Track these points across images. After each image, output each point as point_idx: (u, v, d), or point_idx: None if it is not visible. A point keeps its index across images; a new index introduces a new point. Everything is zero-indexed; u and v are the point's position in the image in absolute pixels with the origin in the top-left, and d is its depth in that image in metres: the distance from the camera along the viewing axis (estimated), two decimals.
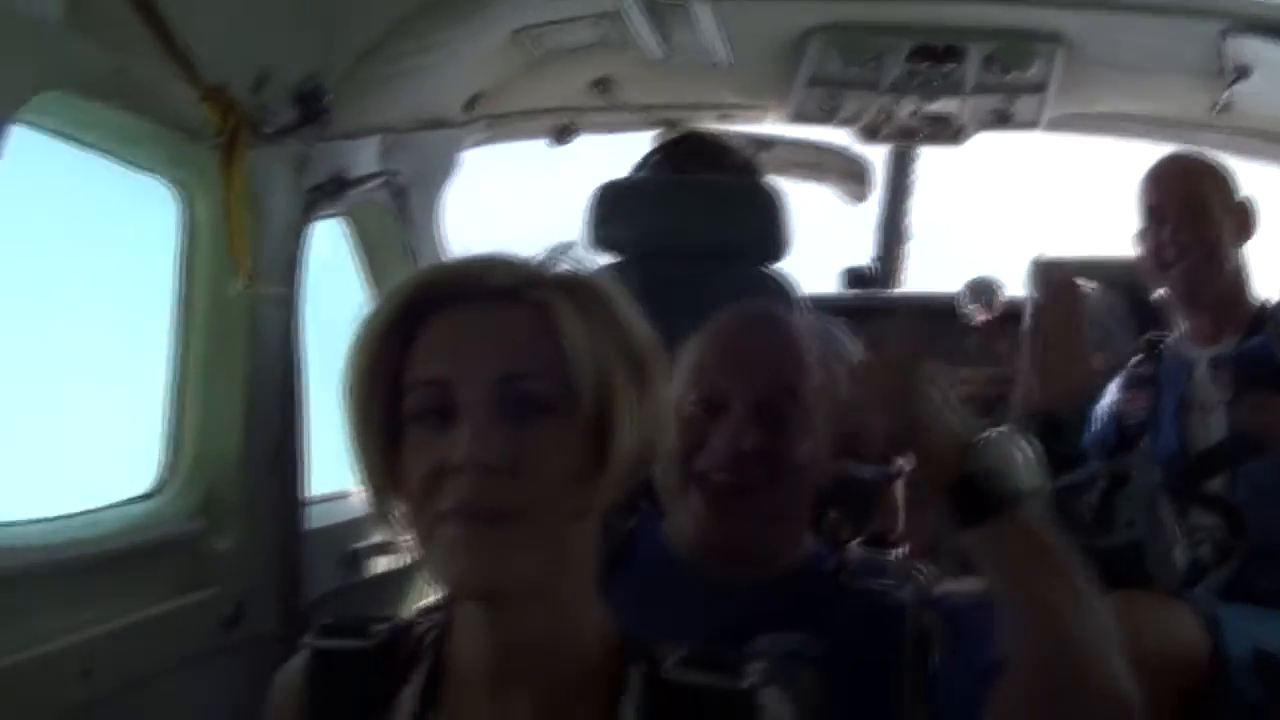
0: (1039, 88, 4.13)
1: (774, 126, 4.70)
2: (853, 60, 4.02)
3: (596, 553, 1.63)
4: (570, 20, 3.72)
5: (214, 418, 2.96)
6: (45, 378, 2.73)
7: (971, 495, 1.89)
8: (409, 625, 1.73)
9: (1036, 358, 3.55)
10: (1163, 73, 4.07)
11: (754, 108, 4.57)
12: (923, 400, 1.93)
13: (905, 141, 4.79)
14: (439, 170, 4.09)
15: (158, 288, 2.92)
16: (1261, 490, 3.21)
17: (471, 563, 1.48)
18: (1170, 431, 3.43)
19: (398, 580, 3.61)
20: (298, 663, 1.73)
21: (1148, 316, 4.06)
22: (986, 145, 4.64)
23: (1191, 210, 3.46)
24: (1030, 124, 4.38)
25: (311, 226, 3.16)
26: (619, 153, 4.51)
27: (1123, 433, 3.51)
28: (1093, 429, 3.58)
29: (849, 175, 4.94)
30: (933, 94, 4.21)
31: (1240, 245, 3.51)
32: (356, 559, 3.55)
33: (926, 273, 5.51)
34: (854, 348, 2.86)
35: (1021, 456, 1.91)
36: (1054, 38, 3.92)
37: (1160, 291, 3.73)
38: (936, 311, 4.81)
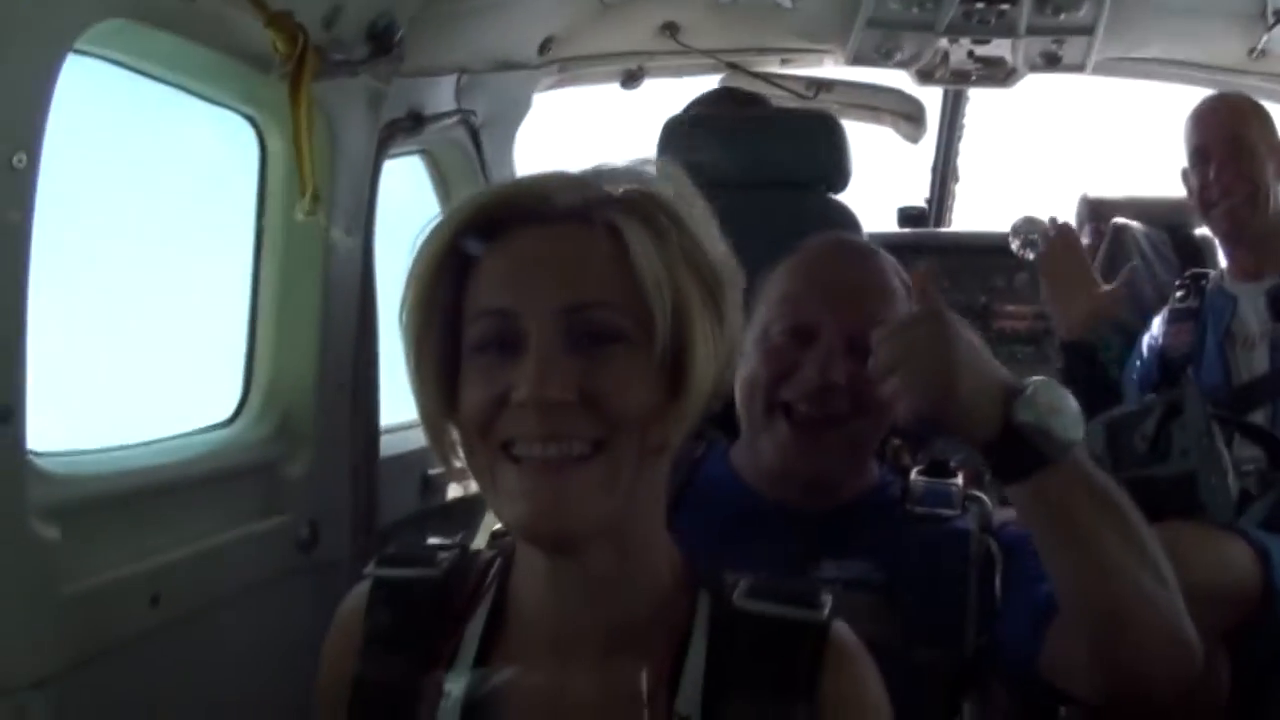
0: (1088, 30, 3.95)
1: (833, 70, 4.56)
2: (910, 0, 3.83)
3: (666, 484, 1.48)
4: None
5: (289, 347, 2.81)
6: (135, 308, 2.58)
7: (1017, 448, 1.72)
8: (475, 554, 1.59)
9: (1049, 294, 3.55)
10: (1206, 16, 3.92)
11: (814, 51, 4.39)
12: (955, 357, 1.74)
13: (959, 83, 4.61)
14: (513, 110, 3.91)
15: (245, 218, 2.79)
16: None
17: (539, 508, 1.33)
18: (1214, 364, 3.29)
19: (472, 505, 3.41)
20: (360, 593, 1.58)
21: (1190, 253, 4.22)
22: (1035, 87, 4.51)
23: (1236, 150, 3.30)
24: (1078, 66, 4.22)
25: (384, 161, 3.01)
26: (687, 96, 4.30)
27: (1166, 366, 3.37)
28: (1136, 361, 3.46)
29: (905, 116, 4.81)
30: (987, 35, 4.02)
31: None
32: (431, 485, 3.40)
33: (976, 211, 5.46)
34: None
35: (1064, 405, 1.74)
36: None
37: (1202, 229, 3.75)
38: (986, 248, 4.68)
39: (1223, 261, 3.55)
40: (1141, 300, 3.84)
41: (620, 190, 1.38)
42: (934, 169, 5.36)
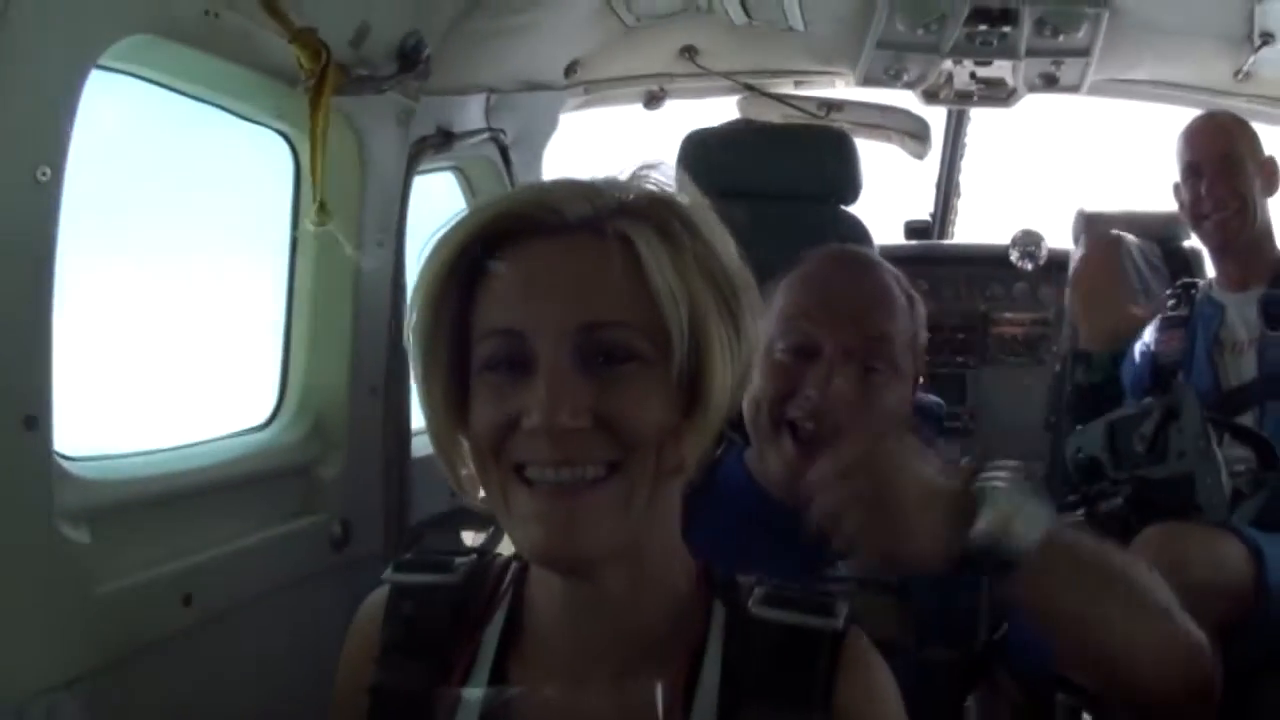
0: (1084, 52, 3.89)
1: (844, 90, 4.46)
2: (916, 22, 3.75)
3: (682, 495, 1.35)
4: None
5: (322, 352, 2.71)
6: (175, 318, 2.48)
7: (980, 562, 1.53)
8: (492, 559, 1.47)
9: (1080, 305, 3.51)
10: (1196, 37, 3.85)
11: (826, 73, 4.30)
12: (900, 511, 1.53)
13: (962, 103, 4.57)
14: (541, 129, 3.78)
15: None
16: None
17: (552, 533, 1.22)
18: (1204, 369, 3.26)
19: None
20: (377, 600, 1.46)
21: (1179, 264, 4.09)
22: (1034, 107, 4.46)
23: (1226, 166, 3.28)
24: (1075, 87, 4.18)
25: (415, 175, 2.90)
26: (707, 117, 4.27)
27: (1158, 371, 3.34)
28: (1128, 367, 3.43)
29: (912, 134, 4.70)
30: (989, 56, 3.96)
31: (1268, 198, 3.33)
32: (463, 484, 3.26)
33: (977, 225, 5.37)
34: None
35: (1020, 509, 1.54)
36: (1100, 1, 3.64)
37: (1190, 241, 3.76)
38: (986, 259, 4.72)
39: (1210, 271, 3.52)
40: None
41: (631, 196, 1.23)
42: (938, 184, 5.28)
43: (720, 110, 4.35)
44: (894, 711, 1.35)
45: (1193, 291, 3.40)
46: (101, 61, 1.84)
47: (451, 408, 1.27)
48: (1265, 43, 3.62)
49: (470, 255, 1.23)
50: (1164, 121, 4.10)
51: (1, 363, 1.71)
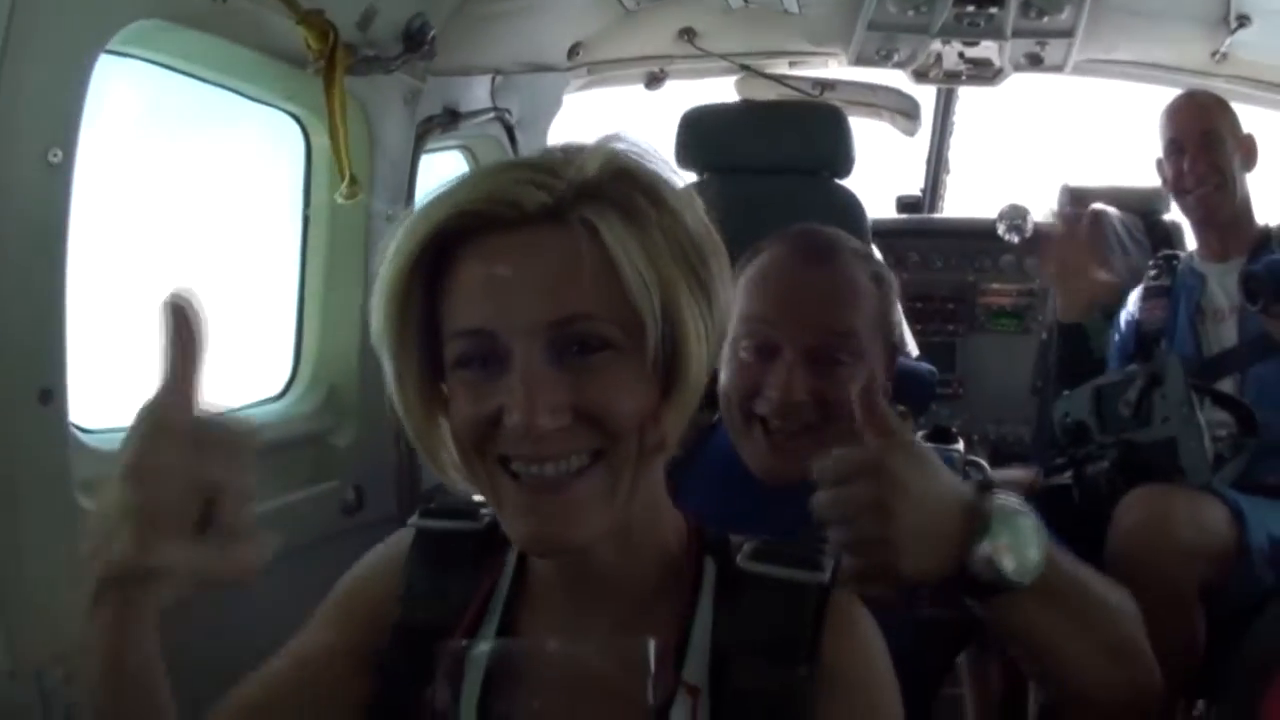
0: (1068, 33, 3.84)
1: (837, 70, 4.41)
2: (906, 4, 3.71)
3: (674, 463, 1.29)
4: None
5: (334, 326, 2.71)
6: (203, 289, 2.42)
7: (974, 582, 1.38)
8: None
9: (1055, 276, 3.41)
10: (1175, 19, 3.79)
11: (820, 54, 4.25)
12: (899, 524, 1.31)
13: (951, 82, 4.50)
14: (545, 109, 3.75)
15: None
16: (1268, 391, 2.96)
17: (541, 525, 1.17)
18: (1186, 337, 3.19)
19: None
20: (401, 540, 1.41)
21: (1160, 236, 4.15)
22: (1020, 86, 4.42)
23: (1207, 142, 3.19)
24: (1058, 67, 4.12)
25: (423, 153, 2.89)
26: (705, 96, 4.11)
27: (1141, 339, 3.27)
28: (1114, 334, 3.36)
29: (902, 112, 4.64)
30: (976, 37, 3.90)
31: (1246, 173, 3.26)
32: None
33: (966, 199, 5.29)
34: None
35: (1023, 537, 1.39)
36: None
37: (1171, 214, 3.78)
38: (974, 233, 4.66)
39: (1191, 243, 3.46)
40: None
41: (589, 174, 1.15)
42: (928, 160, 5.21)
43: (719, 90, 4.29)
44: (880, 666, 1.28)
45: (1174, 262, 3.36)
46: (111, 46, 1.81)
47: (428, 404, 1.22)
48: (1241, 25, 3.60)
49: (431, 253, 1.16)
50: (1146, 100, 4.06)
51: (16, 337, 1.69)
